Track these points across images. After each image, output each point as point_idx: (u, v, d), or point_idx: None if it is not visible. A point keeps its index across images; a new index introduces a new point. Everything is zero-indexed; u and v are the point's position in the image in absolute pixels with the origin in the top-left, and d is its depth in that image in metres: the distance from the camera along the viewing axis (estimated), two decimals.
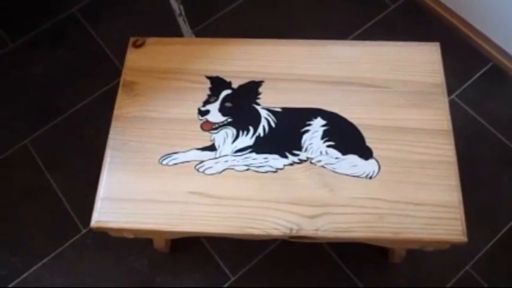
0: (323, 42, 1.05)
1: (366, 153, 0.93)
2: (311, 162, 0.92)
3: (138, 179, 0.92)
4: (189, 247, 1.23)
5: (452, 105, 1.39)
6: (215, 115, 0.97)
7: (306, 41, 1.06)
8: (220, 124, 0.97)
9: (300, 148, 0.94)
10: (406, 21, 1.53)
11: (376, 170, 0.91)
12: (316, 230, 0.86)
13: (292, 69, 1.02)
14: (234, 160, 0.93)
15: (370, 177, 0.90)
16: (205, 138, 0.96)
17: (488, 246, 1.21)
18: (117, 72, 1.46)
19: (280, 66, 1.02)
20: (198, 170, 0.92)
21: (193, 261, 1.22)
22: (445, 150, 0.93)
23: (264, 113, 0.97)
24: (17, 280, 1.23)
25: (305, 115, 0.97)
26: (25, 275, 1.23)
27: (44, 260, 1.24)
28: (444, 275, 1.19)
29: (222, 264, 1.22)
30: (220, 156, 0.93)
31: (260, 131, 0.96)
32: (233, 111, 0.98)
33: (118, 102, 1.00)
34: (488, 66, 1.45)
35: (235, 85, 1.01)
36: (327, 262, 1.21)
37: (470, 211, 1.21)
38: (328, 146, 0.94)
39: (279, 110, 0.98)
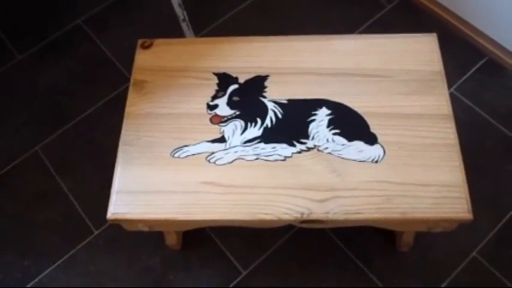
0: (325, 37, 1.10)
1: (371, 139, 0.96)
2: (318, 150, 0.95)
3: (151, 171, 0.95)
4: (200, 244, 1.26)
5: (452, 98, 1.43)
6: (223, 109, 1.01)
7: (309, 36, 1.10)
8: (229, 117, 1.00)
9: (307, 137, 0.97)
10: (403, 20, 1.58)
11: (382, 154, 0.94)
12: (327, 213, 0.89)
13: (296, 63, 1.06)
14: (243, 150, 0.96)
15: (376, 162, 0.93)
16: (215, 131, 0.99)
17: (494, 231, 1.23)
18: (123, 79, 1.51)
19: (284, 61, 1.06)
20: (209, 161, 0.95)
21: (205, 257, 1.24)
22: (447, 133, 0.96)
23: (270, 105, 1.01)
24: (32, 282, 1.24)
25: (310, 106, 1.00)
26: (40, 277, 1.25)
27: (58, 262, 1.26)
28: (452, 261, 1.21)
29: (233, 259, 1.24)
30: (230, 147, 0.97)
31: (268, 122, 0.99)
32: (241, 104, 1.01)
33: (129, 100, 1.04)
34: (484, 60, 1.49)
35: (241, 80, 1.04)
36: (336, 253, 1.23)
37: (475, 198, 1.24)
38: (334, 134, 0.97)
39: (285, 101, 1.01)
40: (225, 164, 0.95)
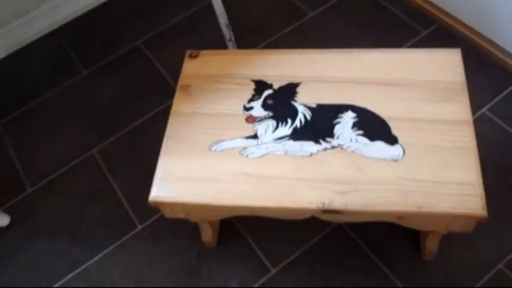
0: (353, 50, 1.19)
1: (391, 140, 1.03)
2: (342, 148, 1.04)
3: (190, 162, 1.07)
4: (233, 241, 1.34)
5: (484, 118, 1.48)
6: (258, 110, 1.12)
7: (338, 50, 1.20)
8: (262, 118, 1.11)
9: (332, 136, 1.05)
10: (438, 46, 1.65)
11: (401, 154, 1.01)
12: (346, 204, 0.96)
13: (326, 73, 1.16)
14: (273, 146, 1.06)
15: (396, 160, 1.00)
16: (249, 130, 1.10)
17: None
18: (172, 93, 1.65)
19: (315, 70, 1.16)
20: (242, 154, 1.06)
21: (237, 253, 1.33)
22: (466, 137, 1.02)
23: (301, 108, 1.11)
24: (79, 269, 1.37)
25: (337, 109, 1.09)
26: (87, 264, 1.37)
27: (104, 252, 1.39)
28: (477, 272, 1.22)
29: (263, 257, 1.31)
30: (261, 144, 1.07)
31: (297, 123, 1.09)
32: (274, 107, 1.12)
33: (175, 100, 1.17)
34: None
35: (276, 86, 1.16)
36: (362, 258, 1.28)
37: (503, 215, 1.28)
38: (358, 135, 1.05)
39: (314, 106, 1.11)
40: (256, 157, 1.05)
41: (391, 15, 1.76)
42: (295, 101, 1.12)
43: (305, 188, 0.99)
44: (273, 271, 1.29)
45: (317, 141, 1.05)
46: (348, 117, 1.08)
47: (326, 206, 0.97)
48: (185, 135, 1.11)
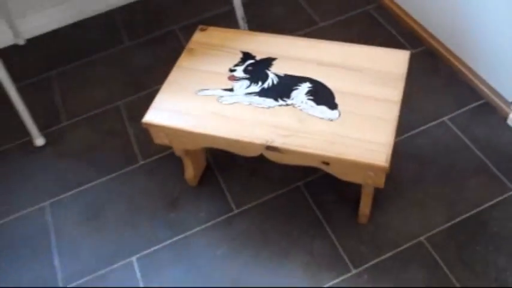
0: (325, 41, 1.49)
1: (333, 106, 1.31)
2: (293, 107, 1.33)
3: (179, 100, 1.39)
4: (210, 184, 1.64)
5: (443, 125, 1.71)
6: (239, 73, 1.43)
7: (315, 39, 1.50)
8: (240, 78, 1.42)
9: (289, 97, 1.35)
10: (423, 62, 1.91)
11: (337, 116, 1.29)
12: (283, 143, 1.25)
13: (298, 54, 1.46)
14: (242, 98, 1.37)
15: (331, 120, 1.28)
16: (229, 85, 1.41)
17: (445, 226, 1.46)
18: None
19: (291, 51, 1.47)
20: (218, 100, 1.37)
21: (210, 193, 1.62)
22: (391, 113, 1.28)
23: (271, 75, 1.41)
24: (88, 185, 1.71)
25: (299, 80, 1.39)
26: (96, 182, 1.71)
27: (108, 176, 1.72)
28: (400, 239, 1.45)
29: (230, 199, 1.60)
30: (234, 95, 1.38)
31: (265, 85, 1.39)
32: (251, 72, 1.43)
33: (180, 58, 1.51)
34: (481, 102, 1.76)
35: (258, 58, 1.47)
36: (309, 214, 1.54)
37: (436, 199, 1.51)
38: (308, 99, 1.34)
39: (282, 75, 1.41)
40: (227, 104, 1.36)
41: (387, 34, 2.04)
42: (269, 70, 1.43)
43: (257, 128, 1.29)
44: (235, 211, 1.58)
45: (276, 99, 1.35)
46: (305, 86, 1.37)
47: (269, 143, 1.26)
48: (181, 81, 1.44)
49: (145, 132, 1.84)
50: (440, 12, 1.84)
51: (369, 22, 2.10)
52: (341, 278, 1.40)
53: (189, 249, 1.51)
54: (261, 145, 1.27)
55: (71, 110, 1.97)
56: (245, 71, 1.44)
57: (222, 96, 1.38)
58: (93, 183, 1.72)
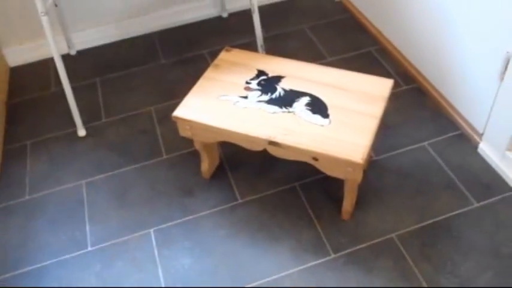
0: (324, 66, 1.83)
1: (325, 116, 1.63)
2: (294, 114, 1.65)
3: (204, 101, 1.73)
4: (220, 178, 1.95)
5: (422, 149, 2.01)
6: (253, 85, 1.77)
7: (317, 65, 1.84)
8: (254, 89, 1.76)
9: (290, 106, 1.67)
10: (410, 97, 2.23)
11: (328, 123, 1.60)
12: (283, 140, 1.56)
13: (302, 75, 1.80)
14: (254, 104, 1.70)
15: (323, 126, 1.60)
16: (244, 94, 1.75)
17: (416, 227, 1.73)
18: None
19: (297, 72, 1.81)
20: (234, 104, 1.71)
21: (220, 185, 1.93)
22: (371, 124, 1.59)
23: (279, 89, 1.75)
24: (119, 170, 2.03)
25: (300, 94, 1.72)
26: (124, 169, 2.04)
27: (135, 166, 2.05)
28: (373, 235, 1.72)
29: (236, 191, 1.90)
30: (247, 101, 1.71)
31: (273, 96, 1.72)
32: (263, 85, 1.77)
33: (207, 71, 1.86)
34: (457, 132, 2.06)
35: (270, 75, 1.81)
36: (301, 210, 1.83)
37: (410, 207, 1.78)
38: (306, 109, 1.66)
39: (288, 89, 1.74)
40: (241, 107, 1.69)
41: (385, 71, 2.37)
42: (278, 85, 1.77)
43: (263, 127, 1.61)
44: (239, 201, 1.87)
45: (280, 107, 1.68)
46: (305, 99, 1.70)
47: (271, 139, 1.57)
48: (206, 88, 1.78)
49: (170, 133, 2.18)
50: (429, 56, 2.17)
51: (370, 61, 2.45)
52: (321, 260, 1.67)
53: (198, 228, 1.81)
54: (265, 140, 1.59)
55: (110, 110, 2.33)
56: (258, 84, 1.78)
57: (237, 101, 1.72)
58: (122, 170, 2.04)
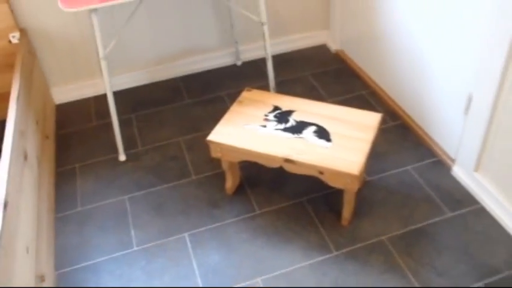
0: (325, 103, 2.30)
1: (328, 140, 2.08)
2: (303, 139, 2.10)
3: (231, 129, 2.18)
4: (241, 194, 2.37)
5: (406, 173, 2.45)
6: (270, 117, 2.23)
7: (319, 102, 2.32)
8: (271, 120, 2.21)
9: (301, 133, 2.13)
10: (396, 131, 2.70)
11: (331, 146, 2.05)
12: (297, 158, 2.00)
13: (309, 109, 2.26)
14: (271, 131, 2.15)
15: (327, 147, 2.04)
16: (263, 123, 2.20)
17: (404, 230, 2.14)
18: None
19: (305, 107, 2.27)
20: (256, 131, 2.16)
21: (241, 200, 2.34)
22: (364, 145, 2.04)
23: (291, 120, 2.20)
24: (151, 189, 2.44)
25: (308, 124, 2.17)
26: (158, 188, 2.45)
27: (168, 185, 2.46)
28: (366, 237, 2.13)
29: (255, 204, 2.32)
30: (266, 129, 2.16)
31: (287, 125, 2.18)
32: (279, 117, 2.23)
33: (233, 106, 2.32)
34: (435, 159, 2.51)
35: (283, 110, 2.27)
36: (308, 219, 2.24)
37: (397, 215, 2.21)
38: (314, 135, 2.11)
39: (298, 120, 2.20)
40: (261, 134, 2.14)
41: (374, 109, 2.85)
42: (290, 117, 2.23)
43: (280, 148, 2.05)
44: (257, 212, 2.29)
45: (293, 134, 2.13)
46: (312, 128, 2.15)
47: (288, 157, 2.01)
48: (233, 119, 2.24)
49: (198, 158, 2.61)
50: (410, 97, 2.66)
51: (363, 102, 2.93)
52: (326, 256, 2.07)
53: (224, 233, 2.20)
54: (282, 158, 2.03)
55: (145, 140, 2.77)
56: (275, 116, 2.24)
57: (258, 129, 2.17)
58: (158, 188, 2.46)
